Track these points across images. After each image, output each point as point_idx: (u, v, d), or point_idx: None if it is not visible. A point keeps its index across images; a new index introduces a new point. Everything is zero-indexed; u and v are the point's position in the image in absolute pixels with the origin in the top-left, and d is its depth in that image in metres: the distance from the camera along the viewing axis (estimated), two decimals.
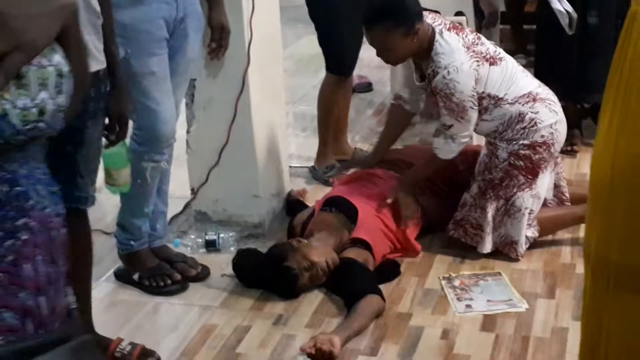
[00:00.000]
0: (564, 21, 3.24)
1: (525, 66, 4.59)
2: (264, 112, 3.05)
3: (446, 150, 2.82)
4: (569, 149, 3.70)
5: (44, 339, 1.43)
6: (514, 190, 2.81)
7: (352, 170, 3.27)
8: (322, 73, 3.53)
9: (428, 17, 2.77)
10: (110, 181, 2.33)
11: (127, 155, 2.30)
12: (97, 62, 2.01)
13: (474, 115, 2.75)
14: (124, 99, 2.14)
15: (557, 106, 2.87)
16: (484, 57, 2.75)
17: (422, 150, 3.12)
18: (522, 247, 2.84)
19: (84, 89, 1.61)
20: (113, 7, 2.09)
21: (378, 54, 2.78)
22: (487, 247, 2.84)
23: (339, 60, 3.38)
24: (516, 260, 2.86)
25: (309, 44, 5.31)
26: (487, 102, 2.77)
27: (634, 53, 1.46)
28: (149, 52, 2.47)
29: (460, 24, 2.90)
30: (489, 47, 2.80)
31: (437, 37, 2.72)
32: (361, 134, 4.09)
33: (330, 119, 3.52)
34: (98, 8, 1.99)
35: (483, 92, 2.75)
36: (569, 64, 3.61)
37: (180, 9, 2.51)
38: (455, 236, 2.88)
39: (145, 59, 2.47)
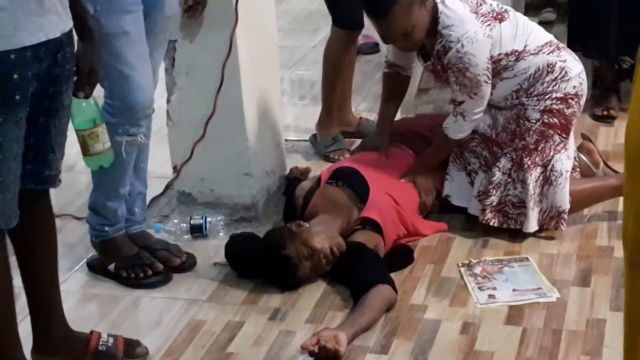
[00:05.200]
0: None
1: (554, 22, 4.73)
2: (255, 78, 3.06)
3: (456, 128, 2.90)
4: (605, 114, 3.75)
5: None
6: (551, 154, 2.88)
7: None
8: (322, 33, 3.57)
9: None
10: (90, 150, 2.30)
11: (97, 107, 2.30)
12: (66, 21, 2.05)
13: (487, 90, 2.83)
14: (96, 52, 2.18)
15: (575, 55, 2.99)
16: (493, 17, 2.83)
17: (434, 120, 3.15)
18: (566, 216, 2.90)
19: None
20: None
21: (398, 41, 2.83)
22: (534, 224, 2.88)
23: (347, 11, 3.39)
24: (550, 239, 2.90)
25: None
26: (506, 61, 2.84)
27: None
28: (121, 9, 2.48)
29: None
30: (492, 4, 2.89)
31: (441, 7, 2.79)
32: (367, 101, 4.11)
33: (337, 81, 3.55)
34: None
35: (499, 54, 2.82)
36: (607, 16, 3.62)
37: None
38: (497, 225, 2.92)
39: (117, 16, 2.48)
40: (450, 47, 2.77)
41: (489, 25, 2.79)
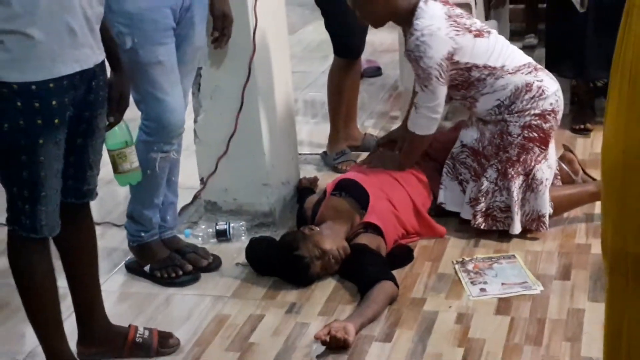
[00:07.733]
0: None
1: (536, 47, 4.69)
2: (271, 100, 3.07)
3: (412, 120, 2.90)
4: (582, 127, 3.72)
5: None
6: (532, 164, 2.87)
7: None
8: (331, 59, 3.55)
9: None
10: (119, 168, 2.34)
11: (127, 130, 2.31)
12: (98, 54, 2.09)
13: (440, 88, 2.81)
14: (125, 80, 2.21)
15: (552, 75, 2.98)
16: (467, 28, 2.83)
17: (436, 135, 3.09)
18: (547, 219, 2.89)
19: None
20: None
21: (356, 7, 2.83)
22: (518, 227, 2.88)
23: (346, 43, 3.41)
24: (534, 239, 2.90)
25: (317, 30, 5.32)
26: (478, 73, 2.84)
27: (637, 35, 1.43)
28: (156, 42, 2.51)
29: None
30: (477, 22, 2.90)
31: (421, 3, 2.81)
32: (372, 118, 4.12)
33: (341, 104, 3.55)
34: None
35: (468, 63, 2.82)
36: (581, 40, 3.58)
37: None
38: (486, 228, 2.91)
39: (153, 48, 2.51)
40: (412, 34, 2.77)
41: (457, 30, 2.79)
